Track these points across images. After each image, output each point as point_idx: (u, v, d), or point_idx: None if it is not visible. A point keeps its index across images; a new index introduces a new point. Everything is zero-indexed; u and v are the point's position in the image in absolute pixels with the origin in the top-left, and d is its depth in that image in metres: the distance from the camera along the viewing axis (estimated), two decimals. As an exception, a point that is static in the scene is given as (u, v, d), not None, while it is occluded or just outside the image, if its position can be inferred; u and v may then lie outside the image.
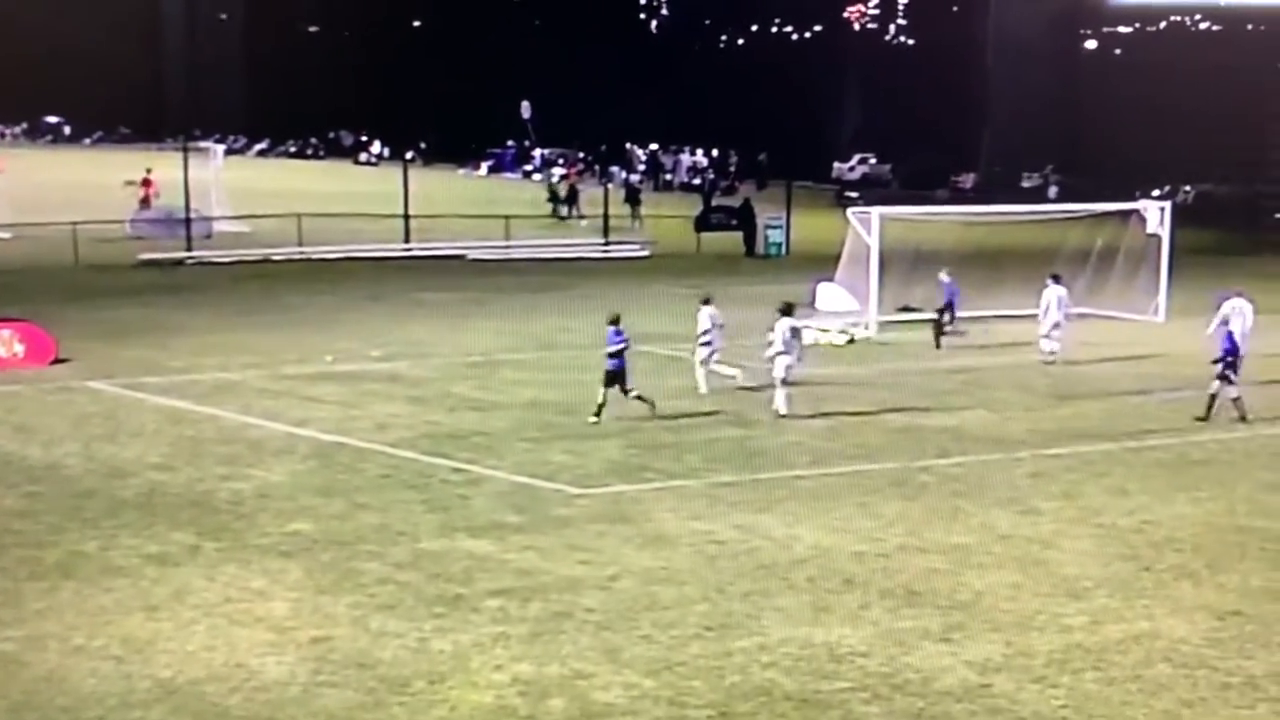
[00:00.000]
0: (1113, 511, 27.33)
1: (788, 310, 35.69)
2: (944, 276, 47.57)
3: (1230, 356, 35.11)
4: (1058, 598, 22.59)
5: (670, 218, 79.86)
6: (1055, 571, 23.88)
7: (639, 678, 19.25)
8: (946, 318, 46.90)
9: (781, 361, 34.93)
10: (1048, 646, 20.57)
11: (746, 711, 18.37)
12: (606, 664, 19.67)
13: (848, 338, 46.69)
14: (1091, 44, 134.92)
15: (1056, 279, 44.19)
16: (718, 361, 37.60)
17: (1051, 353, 42.98)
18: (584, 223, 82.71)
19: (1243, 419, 34.48)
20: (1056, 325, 43.27)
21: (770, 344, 35.24)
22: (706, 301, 38.06)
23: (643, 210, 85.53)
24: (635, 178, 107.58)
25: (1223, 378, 34.78)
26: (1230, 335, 35.73)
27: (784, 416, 34.46)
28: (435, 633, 20.65)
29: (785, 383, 34.96)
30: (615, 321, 34.15)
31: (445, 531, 25.47)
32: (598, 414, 33.61)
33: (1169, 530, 26.20)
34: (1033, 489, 28.94)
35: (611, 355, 33.90)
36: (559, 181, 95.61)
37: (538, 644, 20.32)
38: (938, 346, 45.63)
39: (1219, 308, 40.33)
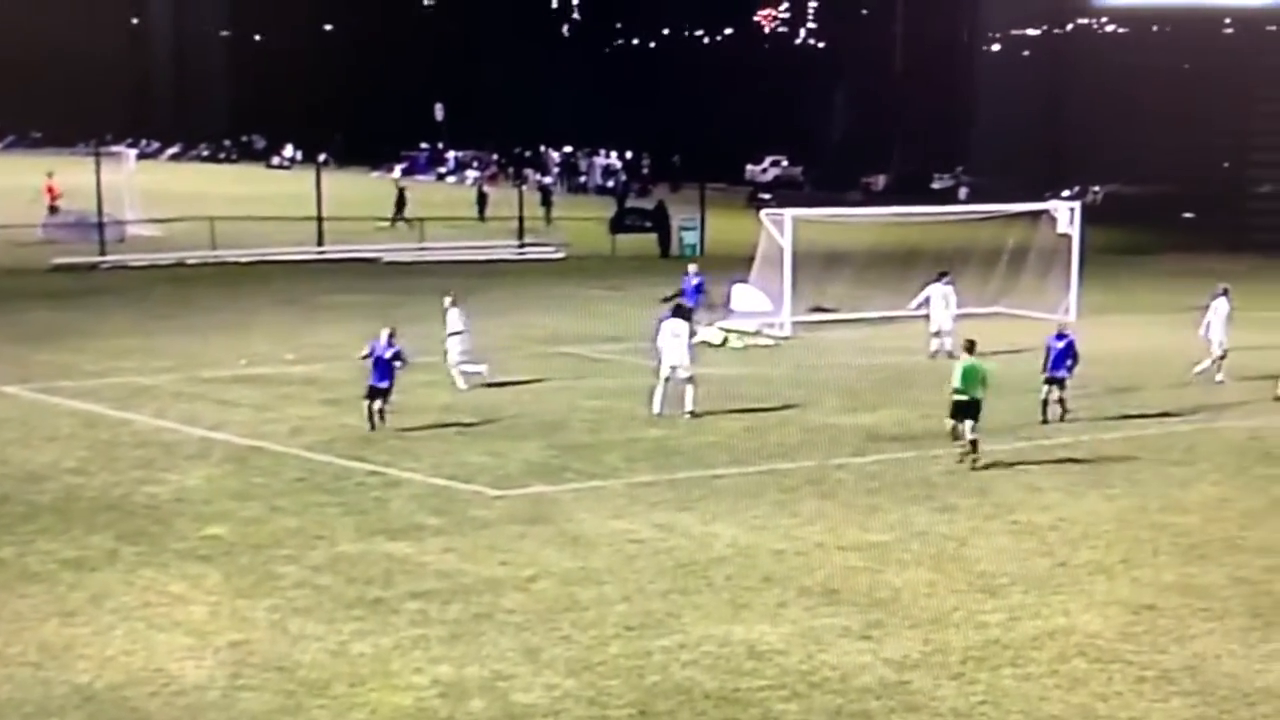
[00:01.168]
0: (1027, 508, 27.56)
1: (679, 312, 35.91)
2: (691, 268, 47.65)
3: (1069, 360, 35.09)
4: (974, 594, 22.77)
5: (585, 220, 79.85)
6: (971, 568, 24.06)
7: (559, 678, 19.28)
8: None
9: (666, 362, 35.04)
10: (965, 643, 20.72)
11: (666, 710, 18.42)
12: (527, 665, 19.68)
13: (745, 343, 46.73)
14: (997, 47, 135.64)
15: (943, 275, 45.02)
16: (464, 359, 38.05)
17: (944, 350, 43.65)
18: (493, 224, 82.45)
19: (1061, 418, 34.71)
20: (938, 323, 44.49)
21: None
22: (453, 303, 38.20)
23: (555, 212, 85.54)
24: (548, 180, 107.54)
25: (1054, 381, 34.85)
26: (1071, 342, 35.23)
27: (660, 415, 34.60)
28: (354, 635, 20.61)
29: (671, 381, 34.96)
30: (390, 335, 33.81)
31: (363, 534, 25.41)
32: (373, 425, 33.23)
33: (1083, 526, 26.44)
34: (948, 486, 29.14)
35: (377, 368, 33.39)
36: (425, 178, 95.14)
37: (458, 646, 20.32)
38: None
39: (1208, 305, 41.15)
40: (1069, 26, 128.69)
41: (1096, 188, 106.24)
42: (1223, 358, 40.83)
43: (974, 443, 30.36)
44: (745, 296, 51.28)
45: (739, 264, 52.41)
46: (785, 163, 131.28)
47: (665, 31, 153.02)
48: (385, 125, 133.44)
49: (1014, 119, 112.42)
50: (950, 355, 43.63)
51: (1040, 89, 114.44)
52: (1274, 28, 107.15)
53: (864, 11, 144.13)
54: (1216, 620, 21.66)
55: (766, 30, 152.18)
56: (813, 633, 21.00)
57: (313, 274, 63.31)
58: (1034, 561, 24.45)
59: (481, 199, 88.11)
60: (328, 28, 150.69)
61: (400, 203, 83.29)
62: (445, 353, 38.18)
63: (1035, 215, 55.98)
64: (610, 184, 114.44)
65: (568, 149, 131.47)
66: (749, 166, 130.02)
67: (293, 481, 28.90)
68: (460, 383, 37.78)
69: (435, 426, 33.67)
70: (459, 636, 20.65)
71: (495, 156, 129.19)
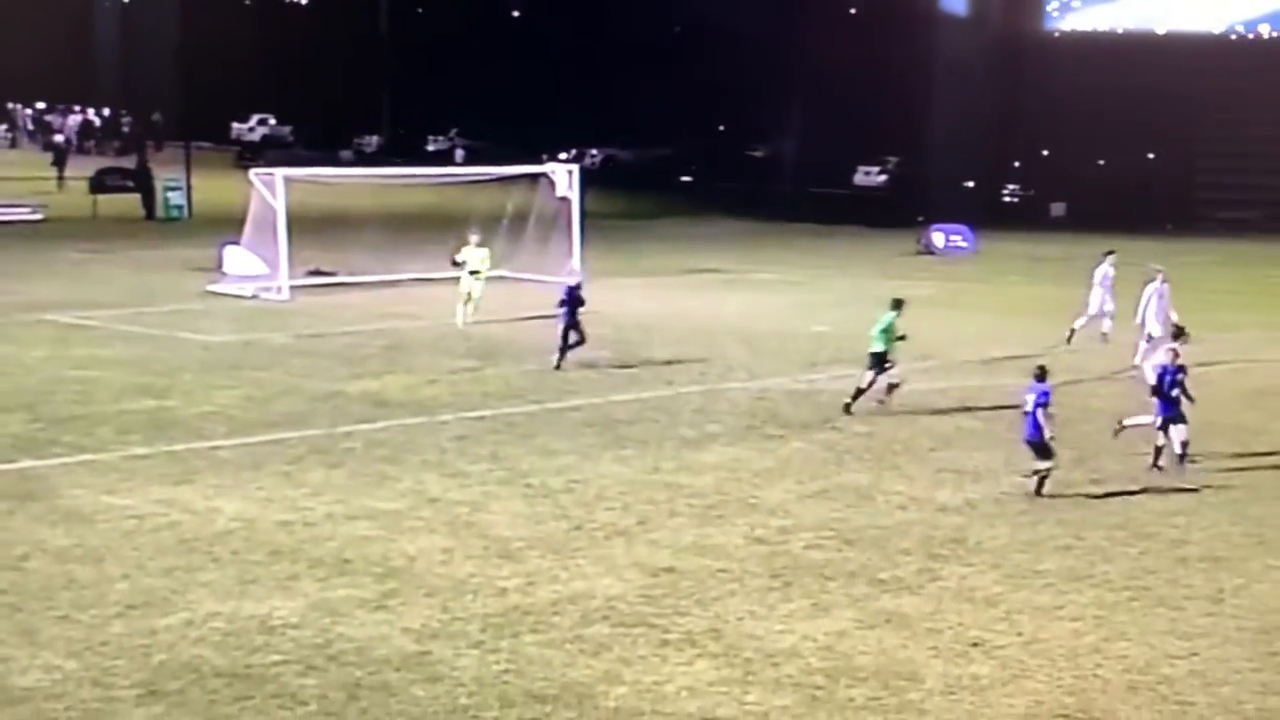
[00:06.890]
0: (541, 472, 27.23)
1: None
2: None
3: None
4: (491, 560, 22.28)
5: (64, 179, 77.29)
6: (487, 533, 23.57)
7: (60, 659, 18.17)
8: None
9: None
10: (484, 610, 20.20)
11: (176, 689, 17.47)
12: (24, 646, 18.51)
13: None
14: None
15: (1109, 254, 43.19)
16: None
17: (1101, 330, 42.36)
18: None
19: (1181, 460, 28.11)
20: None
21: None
22: None
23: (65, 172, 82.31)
24: (59, 138, 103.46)
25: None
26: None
27: None
28: None
29: None
30: None
31: None
32: None
33: (598, 489, 26.21)
34: (459, 452, 28.63)
35: None
36: None
37: (-54, 629, 18.98)
38: None
39: (1144, 289, 38.59)
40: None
41: (594, 151, 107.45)
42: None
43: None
44: (238, 259, 49.96)
45: (230, 225, 51.06)
46: (273, 121, 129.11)
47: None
48: None
49: (507, 81, 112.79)
50: (1104, 336, 41.91)
51: (535, 50, 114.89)
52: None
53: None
54: (736, 581, 21.58)
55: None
56: (327, 605, 20.23)
57: None
58: (550, 525, 24.10)
59: None
60: None
61: None
62: None
63: (534, 178, 55.96)
64: (91, 142, 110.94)
65: (40, 105, 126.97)
66: (235, 125, 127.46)
67: None
68: None
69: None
70: (-54, 620, 19.30)
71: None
